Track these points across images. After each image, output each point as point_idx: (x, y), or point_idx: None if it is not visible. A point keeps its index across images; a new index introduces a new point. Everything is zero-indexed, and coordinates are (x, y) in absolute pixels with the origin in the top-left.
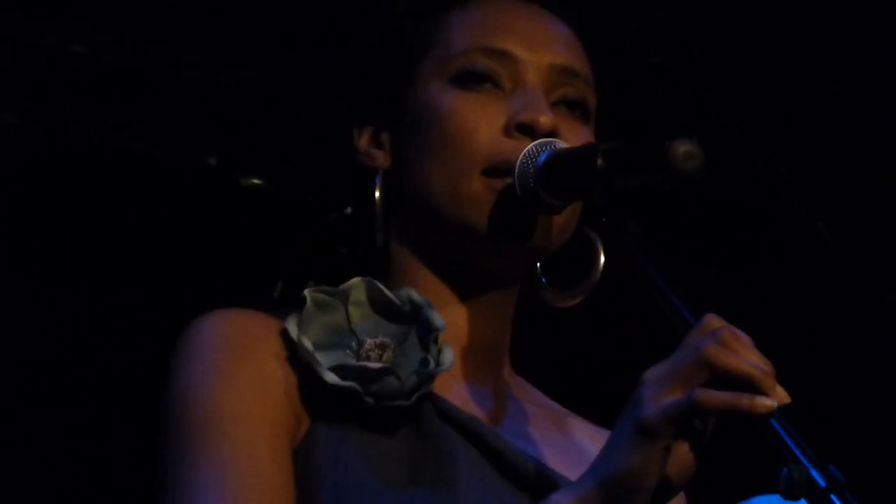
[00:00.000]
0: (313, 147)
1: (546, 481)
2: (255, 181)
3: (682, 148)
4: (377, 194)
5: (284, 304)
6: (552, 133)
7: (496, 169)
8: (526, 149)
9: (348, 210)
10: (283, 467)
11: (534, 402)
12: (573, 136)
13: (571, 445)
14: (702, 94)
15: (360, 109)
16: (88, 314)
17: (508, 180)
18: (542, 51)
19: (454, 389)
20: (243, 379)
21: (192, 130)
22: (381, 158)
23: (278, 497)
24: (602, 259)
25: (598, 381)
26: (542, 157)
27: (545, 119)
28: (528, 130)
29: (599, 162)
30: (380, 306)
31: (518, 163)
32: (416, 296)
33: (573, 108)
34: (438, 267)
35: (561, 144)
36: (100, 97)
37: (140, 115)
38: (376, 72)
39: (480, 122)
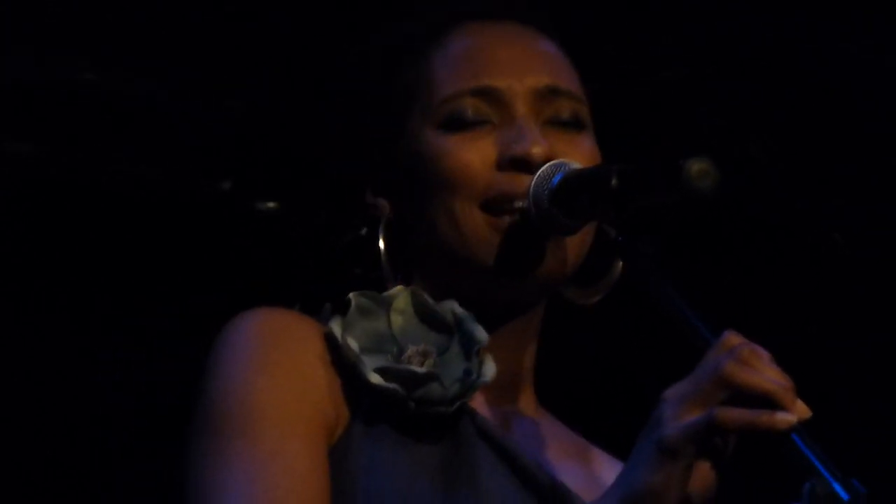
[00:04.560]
0: (327, 170)
1: None
2: (270, 205)
3: (697, 166)
4: (381, 244)
5: (315, 313)
6: (547, 161)
7: (494, 202)
8: (540, 170)
9: (363, 232)
10: (319, 465)
11: (556, 433)
12: (572, 150)
13: (593, 477)
14: (714, 105)
15: (362, 169)
16: (102, 341)
17: (508, 218)
18: (524, 76)
19: (484, 410)
20: (283, 377)
21: (206, 156)
22: (385, 207)
23: (312, 496)
24: (620, 260)
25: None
26: (556, 179)
27: (538, 150)
28: (522, 164)
29: (614, 182)
30: (423, 315)
31: (532, 185)
32: (458, 308)
33: (565, 123)
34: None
35: (574, 165)
36: (112, 124)
37: (155, 140)
38: (366, 130)
39: (473, 159)
